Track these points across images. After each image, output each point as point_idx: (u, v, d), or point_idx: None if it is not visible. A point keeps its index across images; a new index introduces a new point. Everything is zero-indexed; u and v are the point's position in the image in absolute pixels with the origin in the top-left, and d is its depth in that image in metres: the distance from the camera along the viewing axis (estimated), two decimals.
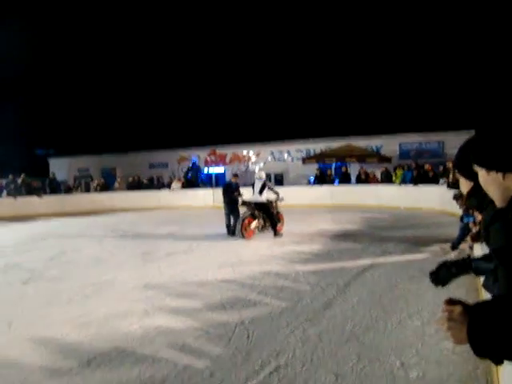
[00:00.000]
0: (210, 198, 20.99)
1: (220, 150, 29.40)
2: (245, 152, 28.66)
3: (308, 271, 7.37)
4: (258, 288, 6.40)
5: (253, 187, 11.41)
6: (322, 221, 14.06)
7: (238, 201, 11.55)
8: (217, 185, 26.81)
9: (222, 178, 28.60)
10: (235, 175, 12.15)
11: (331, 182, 20.32)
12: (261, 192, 11.20)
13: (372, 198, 18.38)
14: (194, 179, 24.68)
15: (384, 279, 6.74)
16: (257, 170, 12.60)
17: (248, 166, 28.23)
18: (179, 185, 22.37)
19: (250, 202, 11.26)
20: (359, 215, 15.33)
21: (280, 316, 5.22)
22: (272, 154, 28.47)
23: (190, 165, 28.62)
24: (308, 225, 13.10)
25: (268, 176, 26.79)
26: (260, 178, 11.37)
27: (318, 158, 23.50)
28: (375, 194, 18.48)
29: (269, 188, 11.28)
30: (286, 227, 11.86)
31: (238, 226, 10.93)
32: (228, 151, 29.31)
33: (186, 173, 26.65)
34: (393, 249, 9.06)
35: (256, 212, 11.18)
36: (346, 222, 13.50)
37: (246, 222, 11.03)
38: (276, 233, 11.19)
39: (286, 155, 28.12)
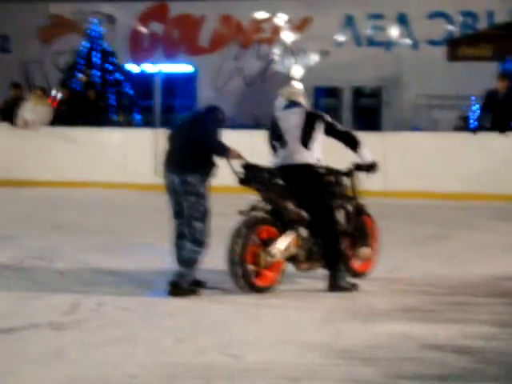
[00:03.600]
0: (148, 157, 8.99)
1: (181, 5, 13.21)
2: (260, 15, 12.62)
3: None
4: None
5: (276, 133, 4.40)
6: (506, 247, 5.78)
7: (212, 170, 4.11)
8: (168, 117, 11.54)
9: (187, 99, 13.26)
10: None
11: None
12: (305, 141, 4.26)
13: None
14: (94, 93, 10.85)
15: None
16: (296, 75, 5.25)
17: (270, 62, 12.44)
18: (43, 109, 9.72)
19: (268, 170, 4.28)
20: None
21: None
22: (350, 21, 12.30)
23: (88, 45, 11.98)
24: (454, 258, 5.44)
25: (327, 103, 12.74)
26: (297, 104, 4.45)
27: (500, 41, 9.66)
28: None
29: (330, 131, 4.36)
30: (382, 262, 4.66)
31: (236, 255, 3.92)
32: (207, 10, 12.98)
33: (68, 72, 11.92)
34: None
35: (289, 206, 4.21)
36: None
37: (257, 235, 4.09)
38: (346, 276, 4.26)
39: (392, 29, 11.91)
